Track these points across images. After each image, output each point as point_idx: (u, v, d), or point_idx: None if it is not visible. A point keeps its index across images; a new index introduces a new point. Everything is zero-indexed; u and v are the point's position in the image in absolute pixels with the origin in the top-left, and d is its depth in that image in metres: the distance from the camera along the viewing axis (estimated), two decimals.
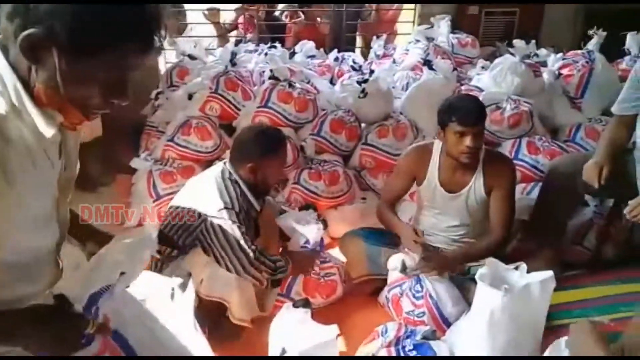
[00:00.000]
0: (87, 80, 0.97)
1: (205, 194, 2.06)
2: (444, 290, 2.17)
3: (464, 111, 2.12)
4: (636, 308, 2.19)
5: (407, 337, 2.02)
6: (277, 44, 3.64)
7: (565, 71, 3.13)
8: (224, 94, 2.99)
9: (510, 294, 1.83)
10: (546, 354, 1.77)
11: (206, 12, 4.04)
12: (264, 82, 3.10)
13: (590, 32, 3.15)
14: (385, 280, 2.34)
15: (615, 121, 2.40)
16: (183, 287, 1.95)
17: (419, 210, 2.47)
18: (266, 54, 3.42)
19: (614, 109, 2.40)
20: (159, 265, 2.13)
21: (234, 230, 1.97)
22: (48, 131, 1.01)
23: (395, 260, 2.24)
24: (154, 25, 0.97)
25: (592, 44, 3.12)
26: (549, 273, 1.89)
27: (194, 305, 1.68)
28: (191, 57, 3.33)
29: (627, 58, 3.27)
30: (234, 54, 3.22)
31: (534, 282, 1.87)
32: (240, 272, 1.99)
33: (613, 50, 3.32)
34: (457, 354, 1.97)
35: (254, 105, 2.96)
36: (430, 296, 2.15)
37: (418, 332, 2.05)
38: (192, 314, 1.65)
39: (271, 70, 3.01)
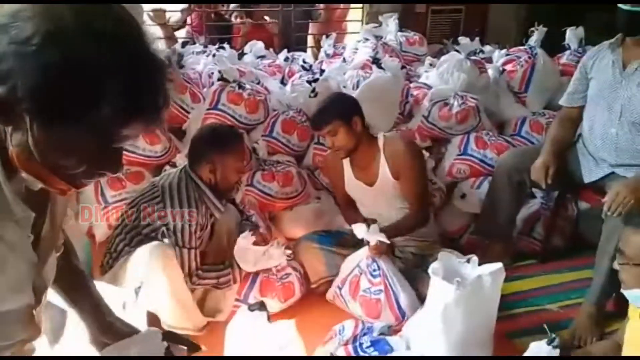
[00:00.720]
0: (65, 149, 0.78)
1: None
2: (398, 282, 2.20)
3: (312, 116, 2.35)
4: (585, 294, 2.27)
5: (364, 334, 2.04)
6: (226, 45, 3.59)
7: (509, 67, 3.21)
8: (172, 97, 2.92)
9: (463, 287, 1.86)
10: (527, 354, 1.79)
11: (151, 14, 3.95)
12: (212, 83, 3.06)
13: (532, 28, 3.24)
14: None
15: (561, 115, 2.48)
16: (137, 292, 1.91)
17: (362, 207, 2.54)
18: (214, 55, 3.36)
19: (562, 101, 2.48)
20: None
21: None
22: (17, 206, 0.85)
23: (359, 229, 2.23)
24: (150, 81, 0.77)
25: (533, 40, 3.21)
26: (499, 265, 1.93)
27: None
28: None
29: (567, 53, 3.38)
30: (181, 56, 3.16)
31: (485, 274, 1.91)
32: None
33: (554, 45, 3.43)
34: (414, 348, 1.99)
35: (204, 107, 2.91)
36: (386, 276, 2.21)
37: (375, 328, 2.06)
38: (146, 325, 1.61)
39: (220, 72, 2.96)
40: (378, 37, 3.66)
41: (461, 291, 1.85)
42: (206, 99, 2.96)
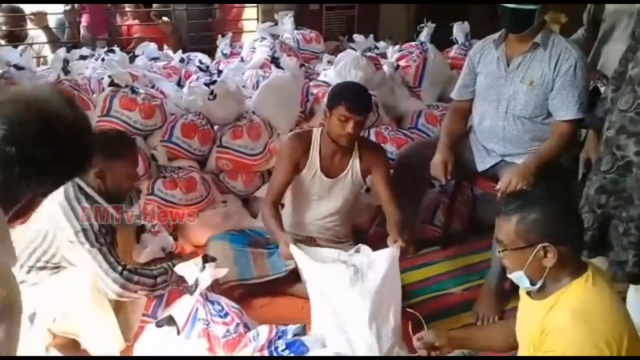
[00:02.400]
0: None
1: (55, 223, 1.86)
2: None
3: (353, 99, 2.21)
4: (486, 275, 2.41)
5: (279, 337, 2.02)
6: (116, 48, 3.41)
7: (402, 62, 3.32)
8: None
9: (356, 273, 1.93)
10: None
11: (32, 17, 3.66)
12: (103, 89, 2.90)
13: (421, 24, 3.37)
14: (253, 286, 2.32)
15: (452, 108, 2.60)
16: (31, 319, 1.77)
17: (295, 200, 2.47)
18: (103, 60, 3.18)
19: (453, 95, 2.60)
20: None
21: (94, 253, 1.82)
22: None
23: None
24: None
25: (423, 36, 3.34)
26: (391, 249, 2.03)
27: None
28: (17, 67, 3.00)
29: (455, 47, 3.55)
30: (66, 61, 2.96)
31: (378, 258, 1.98)
32: (113, 295, 1.84)
33: (442, 39, 3.59)
34: (328, 342, 2.00)
35: (95, 114, 2.76)
36: None
37: (289, 330, 2.05)
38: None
39: (110, 77, 2.81)
40: (275, 36, 3.64)
41: (355, 276, 1.92)
42: (97, 106, 2.80)
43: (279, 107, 2.93)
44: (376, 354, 1.94)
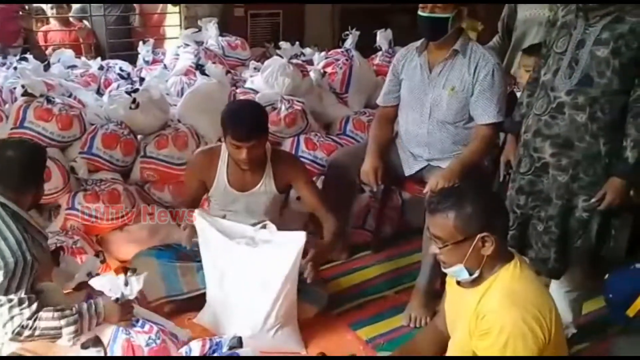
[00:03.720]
0: None
1: None
2: None
3: (237, 127, 2.16)
4: (417, 277, 2.46)
5: (213, 351, 1.97)
6: (29, 55, 3.22)
7: (329, 69, 3.34)
8: None
9: (258, 248, 2.04)
10: None
11: None
12: (16, 99, 2.73)
13: (346, 32, 3.41)
14: (184, 301, 2.26)
15: (379, 115, 2.64)
16: None
17: (213, 213, 2.41)
18: (15, 68, 3.00)
19: (379, 101, 2.64)
20: None
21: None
22: None
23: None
24: None
25: (348, 43, 3.39)
26: (296, 233, 2.09)
27: None
28: None
29: (379, 54, 3.62)
30: None
31: (284, 241, 2.06)
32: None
33: (365, 47, 3.65)
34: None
35: (7, 127, 2.59)
36: None
37: (223, 343, 2.00)
38: None
39: (23, 86, 2.65)
40: (199, 43, 3.58)
41: (255, 251, 2.03)
42: (9, 117, 2.63)
43: (205, 114, 2.86)
44: (256, 331, 2.07)
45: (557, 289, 2.15)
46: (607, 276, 1.85)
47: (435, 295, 2.42)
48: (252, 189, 2.32)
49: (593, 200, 1.92)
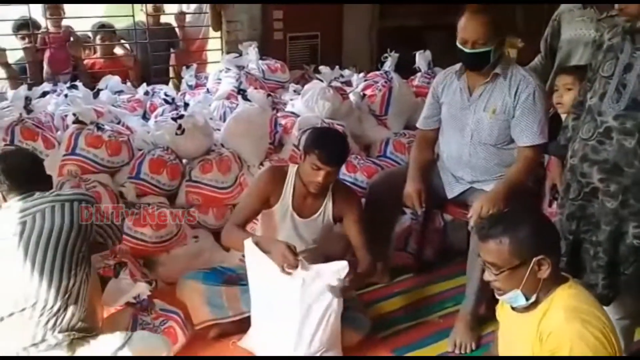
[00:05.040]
0: None
1: None
2: None
3: (326, 148, 2.19)
4: (460, 301, 2.43)
5: None
6: (78, 83, 3.35)
7: (368, 91, 3.37)
8: (22, 145, 2.66)
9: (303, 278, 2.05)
10: None
11: None
12: (67, 126, 2.84)
13: (385, 55, 3.44)
14: (229, 324, 2.28)
15: (419, 138, 2.65)
16: None
17: (264, 234, 2.43)
18: (66, 95, 3.12)
19: (419, 124, 2.65)
20: None
21: None
22: None
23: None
24: None
25: (387, 65, 3.41)
26: (338, 263, 2.09)
27: None
28: None
29: (418, 75, 3.63)
30: (28, 99, 2.90)
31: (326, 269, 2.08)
32: None
33: (404, 68, 3.67)
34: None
35: (60, 153, 2.70)
36: None
37: None
38: None
39: (75, 114, 2.76)
40: (240, 67, 3.66)
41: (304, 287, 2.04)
42: (61, 144, 2.74)
43: (247, 139, 2.92)
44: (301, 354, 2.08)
45: None
46: None
47: (480, 320, 2.40)
48: (311, 216, 2.35)
49: None
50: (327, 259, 2.66)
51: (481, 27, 2.22)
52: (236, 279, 2.39)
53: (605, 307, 2.01)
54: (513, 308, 1.61)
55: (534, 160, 2.37)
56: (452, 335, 2.38)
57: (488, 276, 1.57)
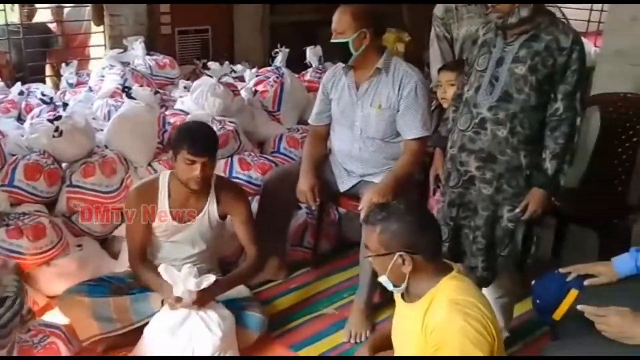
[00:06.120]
0: None
1: None
2: None
3: (194, 140, 2.14)
4: (355, 291, 2.48)
5: None
6: None
7: (260, 87, 3.34)
8: None
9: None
10: None
11: None
12: None
13: (275, 50, 3.42)
14: (119, 336, 2.17)
15: (311, 133, 2.67)
16: None
17: (154, 245, 2.35)
18: None
19: (311, 120, 2.66)
20: None
21: None
22: None
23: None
24: None
25: (278, 60, 3.39)
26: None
27: None
28: None
29: (310, 70, 3.65)
30: None
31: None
32: None
33: (298, 62, 3.67)
34: None
35: None
36: None
37: None
38: None
39: None
40: (125, 63, 3.49)
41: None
42: None
43: (134, 139, 2.78)
44: None
45: (488, 296, 2.21)
46: (533, 282, 1.92)
47: (374, 308, 2.46)
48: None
49: (517, 210, 2.01)
50: (222, 259, 2.63)
51: (341, 18, 2.33)
52: (125, 288, 2.28)
53: (485, 288, 2.16)
54: (402, 297, 1.67)
55: (419, 152, 2.46)
56: (347, 325, 2.42)
57: (366, 252, 1.66)
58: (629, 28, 2.88)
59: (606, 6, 3.71)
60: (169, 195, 2.26)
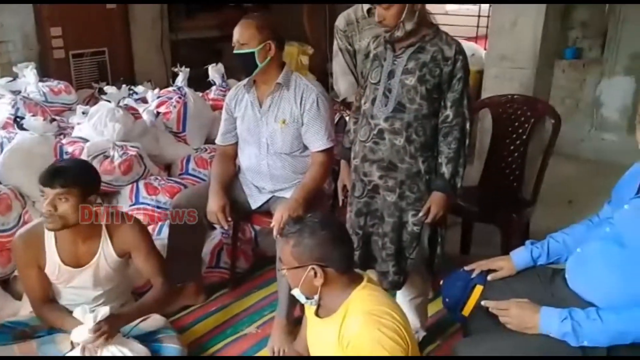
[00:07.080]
0: None
1: None
2: None
3: (47, 170, 1.99)
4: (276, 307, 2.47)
5: None
6: None
7: (162, 109, 3.26)
8: None
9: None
10: None
11: None
12: None
13: (175, 69, 3.36)
14: None
15: (219, 153, 2.64)
16: None
17: (55, 287, 2.19)
18: None
19: (218, 141, 2.64)
20: None
21: None
22: None
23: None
24: None
25: (179, 80, 3.34)
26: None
27: None
28: None
29: (213, 88, 3.62)
30: None
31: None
32: None
33: (202, 80, 3.63)
34: None
35: None
36: None
37: None
38: None
39: None
40: (15, 92, 3.30)
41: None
42: None
43: (29, 172, 2.61)
44: None
45: (402, 297, 2.31)
46: (442, 282, 2.01)
47: (295, 322, 2.47)
48: (89, 261, 2.12)
49: (420, 214, 2.10)
50: (135, 290, 2.54)
51: (244, 30, 2.33)
52: (30, 332, 2.14)
53: (398, 290, 2.24)
54: (317, 313, 1.69)
55: (327, 163, 2.50)
56: (270, 342, 2.41)
57: (280, 266, 1.68)
58: (510, 33, 3.10)
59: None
60: (56, 240, 2.09)
